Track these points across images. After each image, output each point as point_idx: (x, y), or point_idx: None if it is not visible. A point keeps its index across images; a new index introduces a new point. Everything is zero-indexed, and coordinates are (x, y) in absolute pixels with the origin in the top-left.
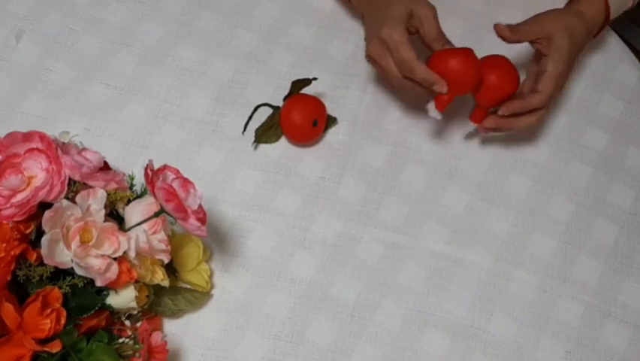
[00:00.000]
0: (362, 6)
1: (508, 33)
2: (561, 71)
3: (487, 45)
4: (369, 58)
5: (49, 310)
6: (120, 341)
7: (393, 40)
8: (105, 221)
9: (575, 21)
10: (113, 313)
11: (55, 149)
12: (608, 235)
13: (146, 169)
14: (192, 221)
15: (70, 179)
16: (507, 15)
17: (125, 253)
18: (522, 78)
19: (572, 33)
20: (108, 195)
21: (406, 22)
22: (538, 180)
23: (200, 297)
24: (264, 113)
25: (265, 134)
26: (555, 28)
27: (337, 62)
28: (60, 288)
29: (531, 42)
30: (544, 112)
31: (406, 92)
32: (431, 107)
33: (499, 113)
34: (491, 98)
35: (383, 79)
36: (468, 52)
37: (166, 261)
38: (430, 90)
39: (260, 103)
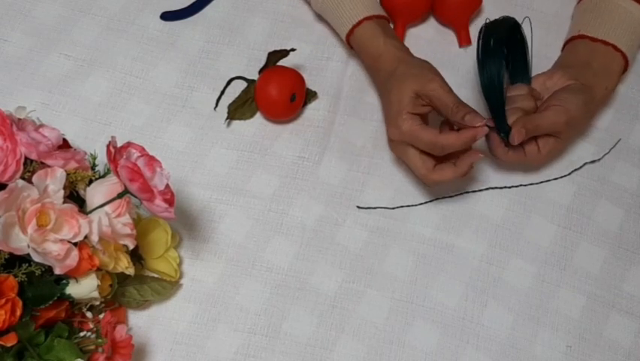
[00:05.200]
0: (377, 88)
1: (523, 136)
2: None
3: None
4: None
5: (3, 301)
6: (81, 334)
7: (405, 136)
8: (64, 203)
9: (581, 109)
10: (74, 305)
11: (10, 125)
12: (613, 219)
13: (108, 146)
14: (159, 202)
15: (26, 158)
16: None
17: (86, 237)
18: None
19: (574, 121)
20: (68, 175)
21: (412, 109)
22: None
23: (169, 287)
24: (238, 87)
25: (239, 109)
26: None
27: (317, 31)
28: (15, 276)
29: None
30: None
31: (434, 186)
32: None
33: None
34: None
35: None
36: None
37: (131, 247)
38: (469, 143)
39: (233, 76)
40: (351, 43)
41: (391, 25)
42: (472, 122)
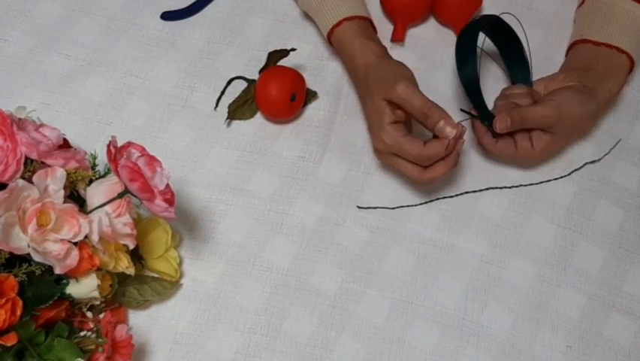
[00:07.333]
0: (356, 91)
1: (507, 125)
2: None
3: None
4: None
5: (3, 300)
6: (81, 334)
7: (390, 148)
8: (65, 203)
9: (576, 107)
10: (74, 304)
11: (10, 125)
12: (613, 219)
13: (108, 146)
14: (159, 202)
15: (26, 157)
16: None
17: (86, 237)
18: None
19: (568, 119)
20: (68, 174)
21: (390, 118)
22: None
23: (169, 287)
24: (238, 87)
25: (239, 109)
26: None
27: (317, 31)
28: (16, 276)
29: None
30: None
31: (429, 184)
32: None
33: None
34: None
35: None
36: None
37: (131, 247)
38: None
39: (233, 76)
40: (332, 43)
41: (372, 27)
42: (444, 133)
